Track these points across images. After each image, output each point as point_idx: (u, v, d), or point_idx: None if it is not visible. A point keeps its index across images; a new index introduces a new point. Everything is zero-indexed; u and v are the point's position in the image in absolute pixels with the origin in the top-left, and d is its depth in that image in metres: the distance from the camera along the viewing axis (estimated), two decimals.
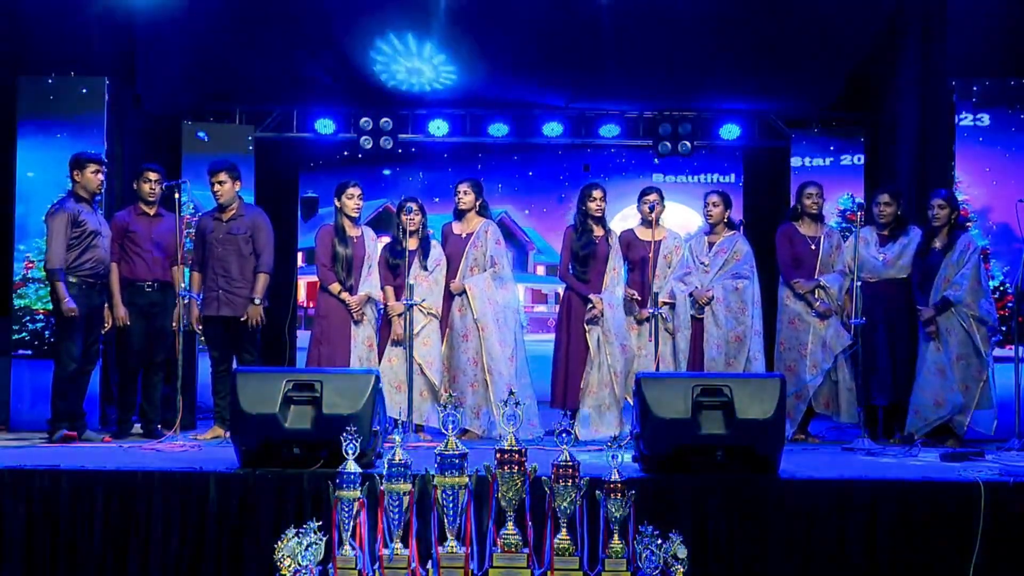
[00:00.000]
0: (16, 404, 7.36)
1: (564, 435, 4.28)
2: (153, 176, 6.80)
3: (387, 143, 9.55)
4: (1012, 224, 6.91)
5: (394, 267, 6.83)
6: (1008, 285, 7.23)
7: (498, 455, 4.23)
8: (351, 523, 4.18)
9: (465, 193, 6.96)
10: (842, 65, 8.85)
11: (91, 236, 6.42)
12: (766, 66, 8.85)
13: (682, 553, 4.08)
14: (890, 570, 4.62)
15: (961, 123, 7.50)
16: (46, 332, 7.33)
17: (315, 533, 4.13)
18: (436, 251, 6.90)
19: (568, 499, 4.19)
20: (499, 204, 9.90)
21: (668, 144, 9.61)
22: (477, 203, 6.96)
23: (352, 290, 6.77)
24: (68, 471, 4.75)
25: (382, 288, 6.83)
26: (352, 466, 4.22)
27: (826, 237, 7.03)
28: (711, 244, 6.99)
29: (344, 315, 6.74)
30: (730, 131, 9.66)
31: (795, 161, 9.39)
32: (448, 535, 4.22)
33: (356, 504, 4.18)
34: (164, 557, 4.65)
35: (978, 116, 7.47)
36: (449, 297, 6.86)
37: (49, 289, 6.66)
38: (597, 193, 6.91)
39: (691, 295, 6.84)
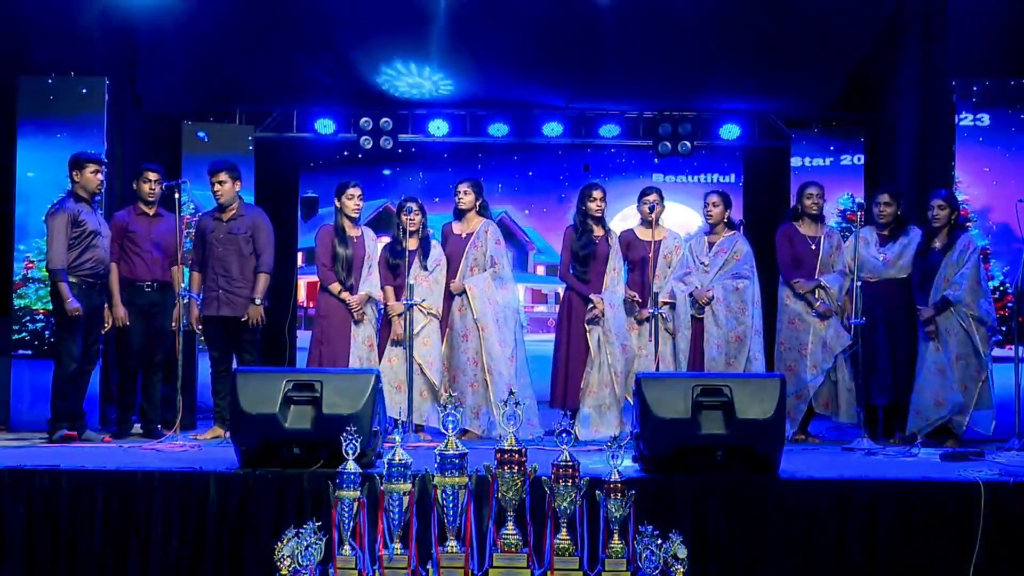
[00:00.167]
0: (16, 404, 7.36)
1: (564, 435, 4.27)
2: (153, 176, 6.80)
3: (387, 143, 9.55)
4: (1012, 224, 6.91)
5: (394, 267, 6.83)
6: (1008, 285, 7.23)
7: (498, 455, 4.23)
8: (351, 523, 4.18)
9: (465, 193, 6.96)
10: (842, 65, 8.85)
11: (91, 236, 6.42)
12: (766, 66, 8.86)
13: (682, 553, 4.08)
14: (890, 570, 4.62)
15: (961, 123, 7.50)
16: (46, 332, 7.33)
17: (315, 533, 4.12)
18: (436, 251, 6.90)
19: (568, 499, 4.19)
20: (499, 204, 9.90)
21: (668, 144, 9.62)
22: (477, 203, 6.97)
23: (352, 290, 6.77)
24: (68, 471, 4.75)
25: (382, 288, 6.84)
26: (352, 466, 4.22)
27: (826, 237, 7.03)
28: (711, 244, 6.99)
29: (344, 315, 6.74)
30: (730, 131, 9.66)
31: (795, 161, 9.40)
32: (448, 535, 4.22)
33: (356, 504, 4.18)
34: (164, 557, 4.65)
35: (978, 116, 7.47)
36: (449, 297, 6.86)
37: (49, 289, 6.66)
38: (597, 193, 6.91)
39: (691, 295, 6.84)
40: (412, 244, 6.80)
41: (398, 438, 4.35)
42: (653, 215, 6.87)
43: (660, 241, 6.93)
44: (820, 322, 6.85)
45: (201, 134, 9.23)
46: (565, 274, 7.00)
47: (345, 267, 6.78)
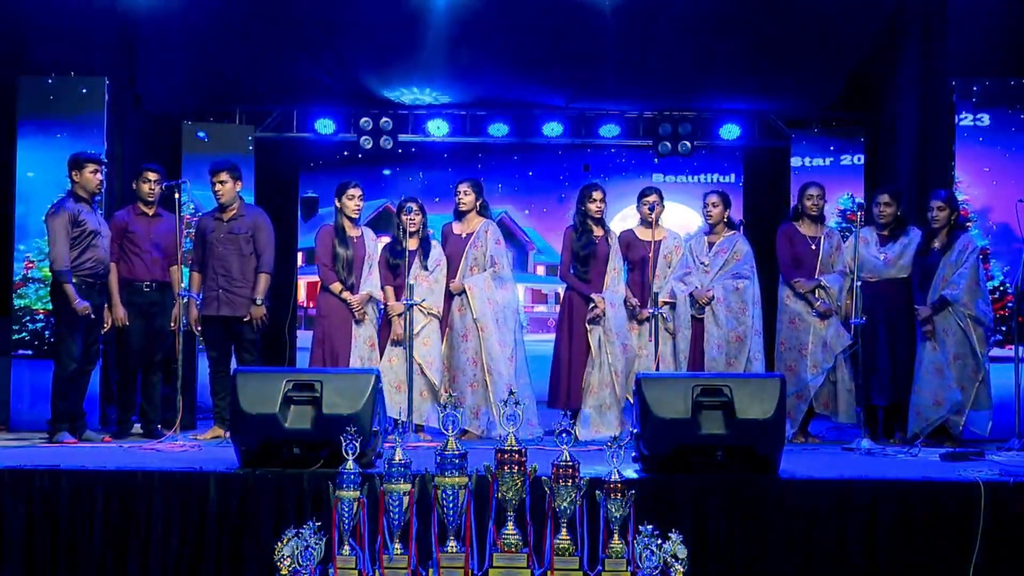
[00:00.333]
0: (16, 404, 7.36)
1: (564, 435, 4.27)
2: (152, 176, 6.80)
3: (387, 143, 9.55)
4: (1012, 224, 6.91)
5: (394, 267, 6.83)
6: (1008, 285, 7.23)
7: (498, 455, 4.22)
8: (351, 523, 4.18)
9: (465, 193, 6.96)
10: (842, 65, 8.85)
11: (91, 236, 6.43)
12: (766, 66, 8.85)
13: (682, 553, 4.07)
14: (890, 570, 4.62)
15: (961, 123, 7.50)
16: (46, 332, 7.33)
17: (315, 533, 4.12)
18: (436, 251, 6.90)
19: (568, 499, 4.19)
20: (499, 204, 9.89)
21: (668, 144, 9.61)
22: (477, 203, 6.97)
23: (353, 290, 6.77)
24: (68, 471, 4.75)
25: (382, 288, 6.84)
26: (352, 466, 4.22)
27: (826, 237, 7.03)
28: (711, 244, 6.99)
29: (345, 315, 6.74)
30: (730, 131, 9.66)
31: (795, 161, 9.39)
32: (448, 535, 4.22)
33: (356, 504, 4.18)
34: (164, 557, 4.65)
35: (978, 116, 7.47)
36: (449, 297, 6.86)
37: (50, 289, 6.66)
38: (597, 194, 6.91)
39: (691, 295, 6.84)
40: (412, 244, 6.80)
41: (398, 438, 4.35)
42: (653, 215, 6.87)
43: (660, 241, 6.93)
44: (820, 322, 6.85)
45: (201, 134, 9.23)
46: (566, 274, 7.01)
47: (345, 267, 6.78)
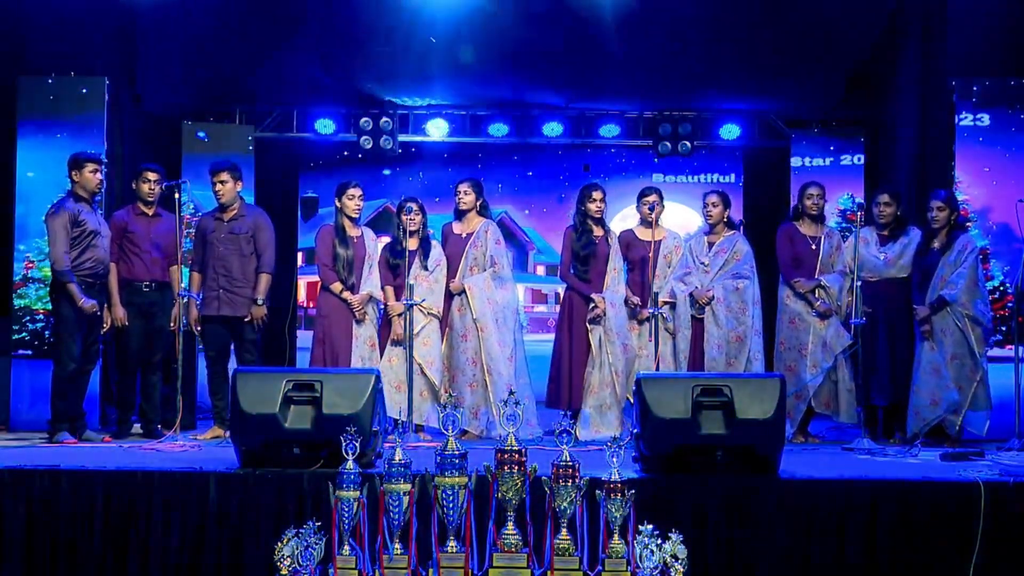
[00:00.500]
0: (16, 404, 7.36)
1: (564, 435, 4.27)
2: (152, 176, 6.81)
3: (387, 143, 9.55)
4: (1012, 224, 6.91)
5: (394, 267, 6.83)
6: (1008, 285, 7.23)
7: (498, 455, 4.22)
8: (351, 523, 4.18)
9: (465, 193, 6.96)
10: (842, 65, 8.85)
11: (91, 236, 6.43)
12: (766, 66, 8.85)
13: (682, 553, 4.08)
14: (890, 570, 4.62)
15: (961, 123, 7.49)
16: (46, 332, 7.33)
17: (315, 533, 4.13)
18: (436, 251, 6.90)
19: (568, 499, 4.19)
20: (499, 204, 9.89)
21: (668, 144, 9.61)
22: (477, 203, 6.97)
23: (353, 290, 6.78)
24: (68, 471, 4.75)
25: (382, 288, 6.84)
26: (352, 466, 4.22)
27: (826, 237, 7.03)
28: (711, 244, 6.99)
29: (346, 315, 6.75)
30: (730, 131, 9.66)
31: (795, 161, 9.39)
32: (448, 535, 4.22)
33: (356, 504, 4.18)
34: (164, 557, 4.66)
35: (978, 116, 7.47)
36: (449, 297, 6.87)
37: (49, 289, 6.66)
38: (597, 194, 6.92)
39: (691, 295, 6.84)
40: (412, 244, 6.80)
41: (398, 438, 4.35)
42: (653, 215, 6.87)
43: (660, 241, 6.93)
44: (820, 322, 6.85)
45: (201, 134, 9.23)
46: (566, 274, 7.01)
47: (346, 267, 6.78)
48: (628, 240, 7.03)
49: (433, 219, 7.17)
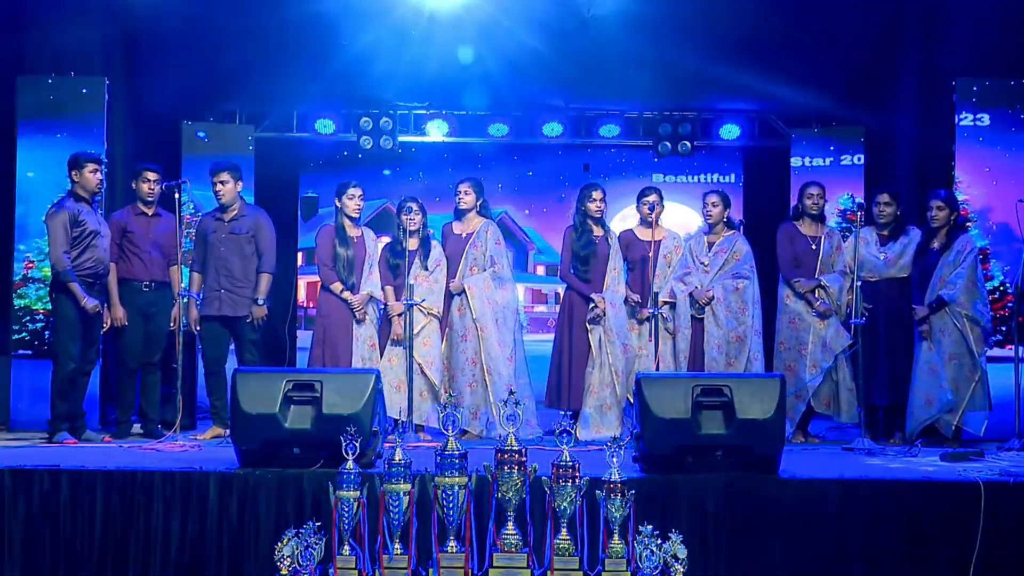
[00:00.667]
0: (16, 404, 7.36)
1: (564, 435, 4.28)
2: (152, 176, 6.80)
3: (387, 143, 9.55)
4: (1012, 224, 6.91)
5: (394, 267, 6.83)
6: (1008, 285, 7.23)
7: (498, 455, 4.23)
8: (351, 523, 4.18)
9: (466, 193, 6.96)
10: (842, 65, 8.84)
11: (91, 236, 6.43)
12: (766, 66, 8.84)
13: (682, 553, 4.08)
14: (890, 570, 4.62)
15: (961, 123, 7.50)
16: (46, 332, 7.33)
17: (315, 533, 4.13)
18: (436, 251, 6.90)
19: (568, 499, 4.19)
20: (499, 204, 9.88)
21: (668, 144, 9.61)
22: (477, 203, 6.97)
23: (354, 290, 6.78)
24: (68, 471, 4.75)
25: (382, 288, 6.84)
26: (352, 466, 4.23)
27: (826, 237, 7.03)
28: (711, 244, 6.99)
29: (346, 315, 6.75)
30: (730, 131, 9.66)
31: (795, 161, 9.38)
32: (448, 535, 4.22)
33: (356, 504, 4.18)
34: (164, 557, 4.66)
35: (978, 116, 7.47)
36: (449, 297, 6.87)
37: (49, 289, 6.66)
38: (597, 194, 6.92)
39: (691, 295, 6.84)
40: (412, 244, 6.80)
41: (398, 438, 4.35)
42: (653, 215, 6.87)
43: (660, 241, 6.93)
44: (820, 322, 6.85)
45: (201, 134, 9.22)
46: (566, 274, 7.01)
47: (346, 267, 6.79)
48: (628, 240, 7.03)
49: (433, 219, 7.17)
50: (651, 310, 6.70)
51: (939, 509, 4.65)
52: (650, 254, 6.79)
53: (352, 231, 6.88)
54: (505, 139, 9.81)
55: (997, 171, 7.45)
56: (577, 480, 4.20)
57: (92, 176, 6.50)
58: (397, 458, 4.23)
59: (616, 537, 4.19)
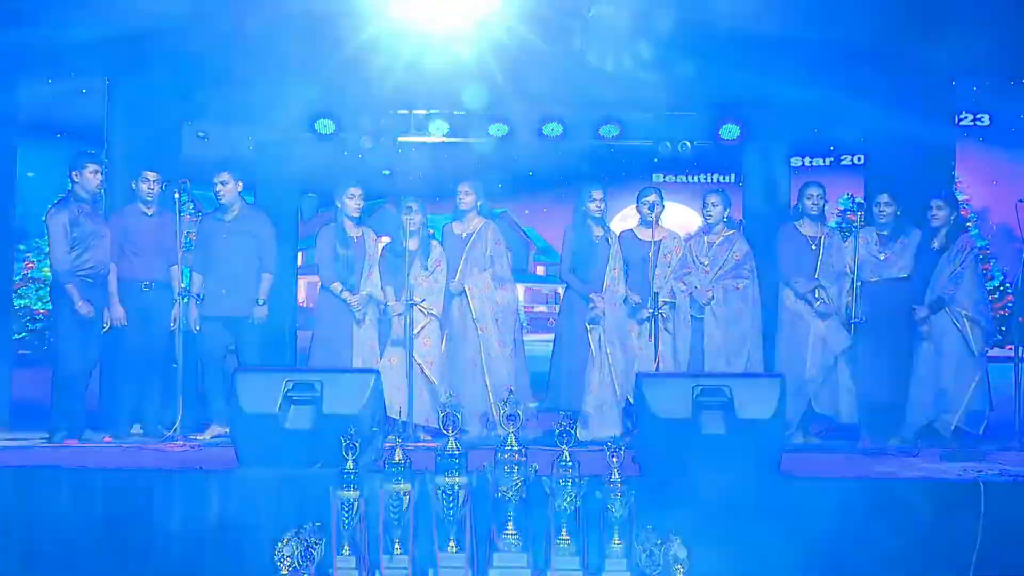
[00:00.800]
0: (16, 404, 7.36)
1: (564, 435, 4.28)
2: (151, 176, 6.80)
3: (387, 143, 9.54)
4: (1012, 224, 6.89)
5: (394, 267, 6.83)
6: (1008, 285, 7.24)
7: (498, 455, 4.23)
8: (351, 523, 4.18)
9: (466, 193, 6.96)
10: (842, 64, 8.82)
11: (91, 236, 6.43)
12: (766, 66, 8.82)
13: (682, 553, 4.08)
14: (890, 570, 4.62)
15: (961, 123, 7.49)
16: (46, 332, 7.33)
17: (315, 533, 4.13)
18: (436, 251, 6.90)
19: (568, 499, 4.19)
20: (499, 204, 9.88)
21: (668, 144, 9.60)
22: (478, 203, 6.97)
23: (353, 290, 6.78)
24: (68, 471, 4.75)
25: (382, 288, 6.84)
26: (352, 466, 4.22)
27: (826, 237, 7.02)
28: (711, 244, 6.99)
29: (345, 315, 6.75)
30: (730, 131, 9.65)
31: (795, 161, 9.38)
32: (448, 535, 4.22)
33: (356, 504, 4.18)
34: (164, 557, 4.66)
35: (978, 116, 7.48)
36: (449, 297, 6.87)
37: (49, 289, 6.66)
38: (597, 193, 6.92)
39: (691, 295, 6.84)
40: (412, 244, 6.80)
41: (398, 438, 4.35)
42: (653, 215, 6.87)
43: (660, 241, 6.93)
44: (820, 322, 6.85)
45: (201, 134, 9.21)
46: (565, 274, 7.00)
47: (346, 267, 6.79)
48: (628, 240, 7.03)
49: (433, 219, 7.17)
50: (651, 310, 6.70)
51: (939, 509, 4.65)
52: (650, 254, 6.79)
53: (352, 231, 6.88)
54: (505, 139, 9.80)
55: (997, 171, 7.46)
56: (577, 480, 4.20)
57: (92, 177, 6.50)
58: (397, 458, 4.24)
59: (616, 537, 4.20)
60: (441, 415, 4.34)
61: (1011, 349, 6.67)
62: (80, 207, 6.44)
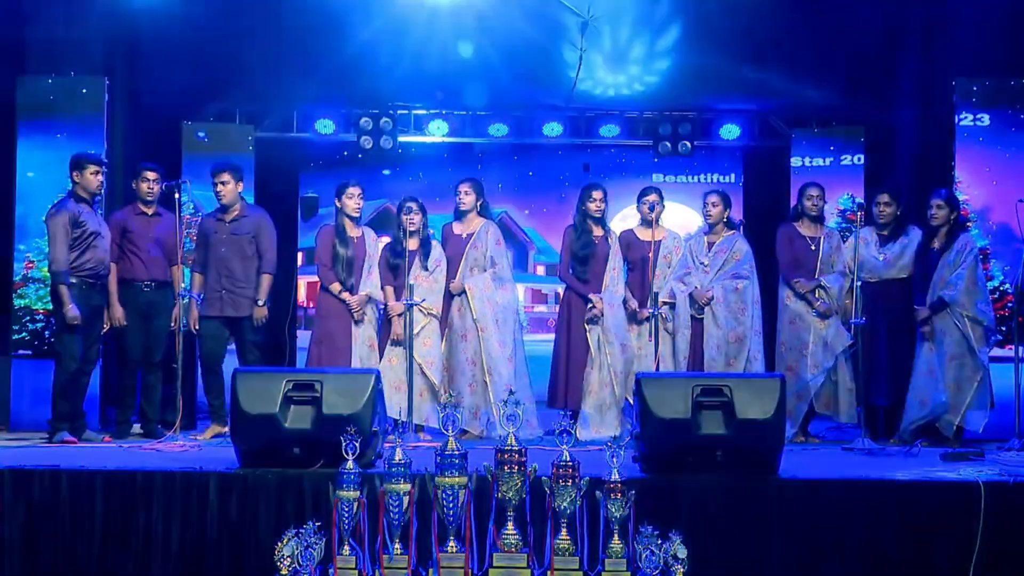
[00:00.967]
0: (16, 404, 7.36)
1: (564, 435, 4.28)
2: (151, 175, 6.81)
3: (387, 143, 9.54)
4: (1012, 224, 6.90)
5: (394, 267, 6.83)
6: (1008, 285, 7.23)
7: (498, 455, 4.23)
8: (351, 523, 4.18)
9: (466, 193, 6.96)
10: (842, 64, 8.83)
11: (91, 236, 6.43)
12: (766, 66, 8.83)
13: (682, 553, 4.08)
14: (890, 570, 4.62)
15: (961, 123, 7.49)
16: (46, 332, 7.33)
17: (315, 533, 4.13)
18: (436, 251, 6.90)
19: (568, 499, 4.19)
20: (499, 204, 9.87)
21: (668, 144, 9.60)
22: (478, 203, 6.97)
23: (353, 290, 6.78)
24: (68, 471, 4.75)
25: (382, 288, 6.84)
26: (352, 466, 4.23)
27: (826, 237, 7.03)
28: (711, 244, 6.99)
29: (345, 315, 6.75)
30: (730, 131, 9.65)
31: (795, 161, 9.37)
32: (448, 535, 4.22)
33: (356, 504, 4.18)
34: (164, 557, 4.66)
35: (978, 116, 7.47)
36: (449, 297, 6.87)
37: (50, 289, 6.66)
38: (597, 193, 6.92)
39: (691, 295, 6.84)
40: (412, 244, 6.80)
41: (398, 438, 4.35)
42: (653, 215, 6.87)
43: (660, 241, 6.93)
44: (821, 322, 6.85)
45: (201, 134, 9.21)
46: (565, 274, 7.01)
47: (345, 267, 6.79)
48: (628, 240, 7.03)
49: (433, 219, 7.17)
50: (651, 310, 6.69)
51: (939, 509, 4.65)
52: (650, 254, 6.79)
53: (352, 231, 6.88)
54: (505, 139, 9.80)
55: (997, 171, 7.45)
56: (577, 480, 4.20)
57: (93, 177, 6.50)
58: (397, 458, 4.24)
59: (616, 537, 4.20)
60: (441, 415, 4.34)
61: (1011, 349, 6.68)
62: (80, 207, 6.44)
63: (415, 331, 6.52)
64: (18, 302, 7.47)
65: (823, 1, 8.18)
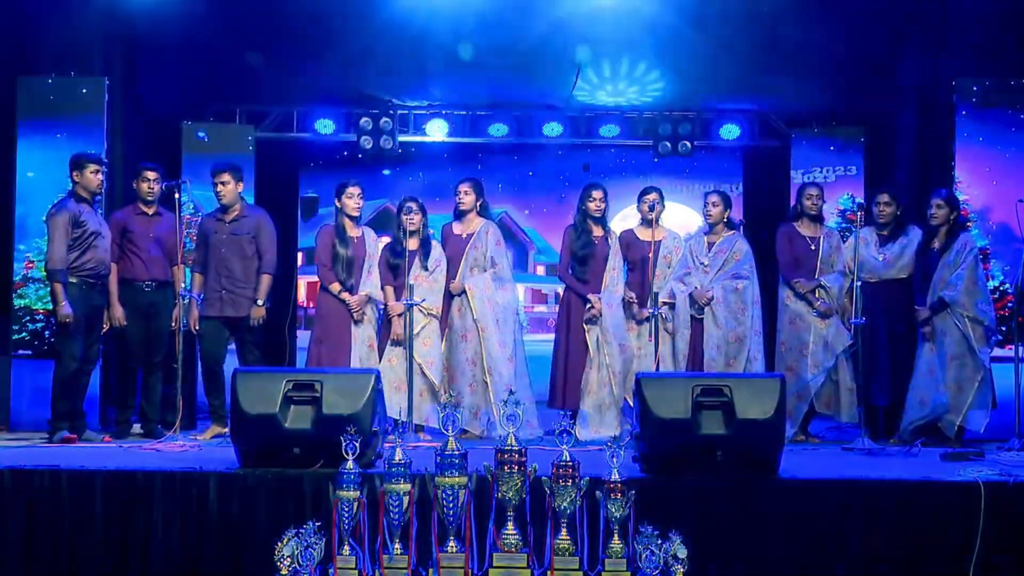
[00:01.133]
0: (16, 404, 7.36)
1: (564, 435, 4.28)
2: (151, 175, 6.81)
3: (387, 143, 9.54)
4: (1012, 224, 6.90)
5: (394, 267, 6.83)
6: (1008, 285, 7.23)
7: (498, 455, 4.23)
8: (351, 523, 4.18)
9: (466, 193, 6.96)
10: (843, 65, 8.84)
11: (92, 236, 6.43)
12: (767, 66, 8.84)
13: (682, 553, 4.08)
14: (890, 570, 4.62)
15: (961, 123, 7.49)
16: (46, 332, 7.33)
17: (315, 533, 4.13)
18: (436, 251, 6.90)
19: (568, 499, 4.19)
20: (499, 204, 9.89)
21: (668, 144, 9.60)
22: (478, 203, 6.97)
23: (352, 290, 6.78)
24: (68, 471, 4.75)
25: (382, 288, 6.84)
26: (352, 466, 4.23)
27: (826, 237, 7.03)
28: (711, 244, 6.99)
29: (344, 315, 6.75)
30: (730, 131, 9.65)
31: (795, 175, 9.37)
32: (448, 535, 4.22)
33: (356, 504, 4.18)
34: (164, 557, 4.66)
35: (978, 116, 7.46)
36: (449, 297, 6.87)
37: (49, 289, 6.66)
38: (597, 193, 6.92)
39: (691, 295, 6.84)
40: (412, 244, 6.80)
41: (398, 438, 4.35)
42: (653, 215, 6.87)
43: (660, 241, 6.93)
44: (821, 321, 6.85)
45: (201, 134, 9.21)
46: (564, 274, 7.01)
47: (345, 267, 6.78)
48: (628, 240, 7.03)
49: (433, 219, 7.17)
50: (651, 310, 6.69)
51: (939, 509, 4.65)
52: (650, 254, 6.79)
53: (352, 231, 6.88)
54: (505, 139, 9.81)
55: (997, 171, 7.45)
56: (577, 480, 4.20)
57: (94, 177, 6.50)
58: (397, 458, 4.24)
59: (616, 537, 4.19)
60: (441, 415, 4.34)
61: (1011, 349, 6.68)
62: (81, 207, 6.44)
63: (415, 331, 6.52)
64: (18, 302, 7.47)
65: (823, 1, 8.18)
